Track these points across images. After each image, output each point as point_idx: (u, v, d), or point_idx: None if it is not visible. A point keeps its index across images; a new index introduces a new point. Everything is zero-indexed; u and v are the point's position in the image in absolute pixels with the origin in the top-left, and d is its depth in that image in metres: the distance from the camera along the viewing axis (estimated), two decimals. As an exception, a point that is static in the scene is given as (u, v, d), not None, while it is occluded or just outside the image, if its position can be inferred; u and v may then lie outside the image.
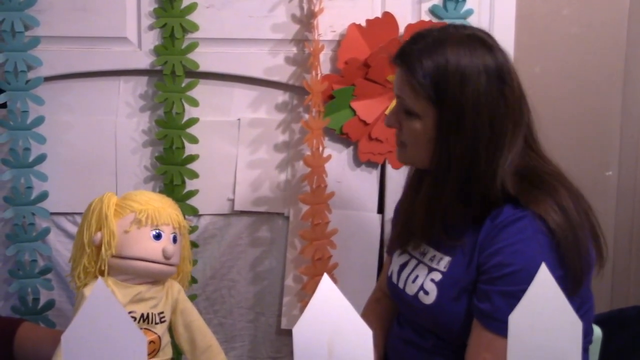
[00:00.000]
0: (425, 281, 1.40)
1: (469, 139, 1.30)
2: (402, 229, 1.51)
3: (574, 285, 1.28)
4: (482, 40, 1.34)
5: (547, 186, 1.31)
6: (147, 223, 1.40)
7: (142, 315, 1.41)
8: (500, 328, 1.24)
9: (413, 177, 1.52)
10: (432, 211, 1.36)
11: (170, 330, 1.50)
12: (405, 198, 1.54)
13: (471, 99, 1.28)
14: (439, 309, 1.37)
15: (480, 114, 1.29)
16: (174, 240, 1.44)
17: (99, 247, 1.41)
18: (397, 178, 2.05)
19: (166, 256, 1.41)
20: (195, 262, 2.04)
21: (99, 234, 1.41)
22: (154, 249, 1.40)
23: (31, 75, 1.95)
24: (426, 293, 1.39)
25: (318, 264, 1.99)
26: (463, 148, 1.30)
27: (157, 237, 1.41)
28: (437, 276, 1.38)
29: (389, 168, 2.06)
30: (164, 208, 1.44)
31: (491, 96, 1.29)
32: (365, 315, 1.64)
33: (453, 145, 1.30)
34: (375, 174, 2.08)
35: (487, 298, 1.28)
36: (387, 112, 1.99)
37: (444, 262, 1.38)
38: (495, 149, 1.30)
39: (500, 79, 1.31)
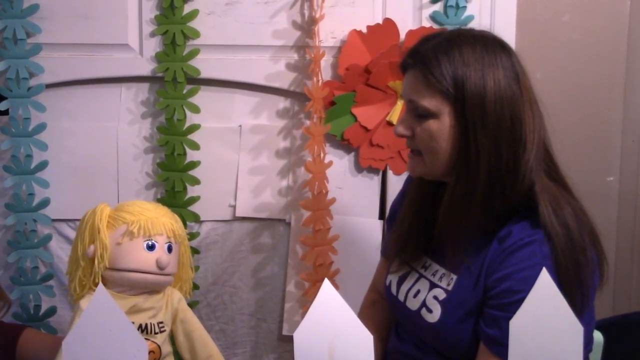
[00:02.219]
0: (427, 298, 1.38)
1: (493, 130, 1.27)
2: (402, 237, 1.47)
3: (571, 306, 1.26)
4: (494, 39, 1.33)
5: (556, 203, 1.28)
6: (139, 234, 1.38)
7: (141, 325, 1.40)
8: None
9: (417, 187, 1.47)
10: (462, 214, 1.31)
11: (172, 338, 1.50)
12: (406, 203, 1.50)
13: (493, 89, 1.26)
14: (443, 328, 1.35)
15: (502, 105, 1.26)
16: (169, 249, 1.42)
17: (92, 260, 1.39)
18: (399, 184, 2.04)
19: (160, 267, 1.39)
20: (197, 269, 2.04)
21: (92, 247, 1.39)
22: (148, 259, 1.39)
23: (33, 82, 1.96)
24: (429, 311, 1.37)
25: (319, 270, 1.99)
26: (488, 141, 1.27)
27: (151, 247, 1.39)
28: (441, 294, 1.36)
29: (390, 174, 2.06)
30: (158, 218, 1.42)
31: (510, 88, 1.28)
32: (362, 319, 1.62)
33: (481, 138, 1.27)
34: (376, 180, 2.08)
35: (495, 324, 1.26)
36: (389, 118, 1.99)
37: (448, 279, 1.35)
38: (517, 147, 1.27)
39: (516, 74, 1.30)
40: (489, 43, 1.31)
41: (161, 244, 1.41)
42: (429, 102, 1.30)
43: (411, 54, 1.35)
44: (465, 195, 1.30)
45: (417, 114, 1.33)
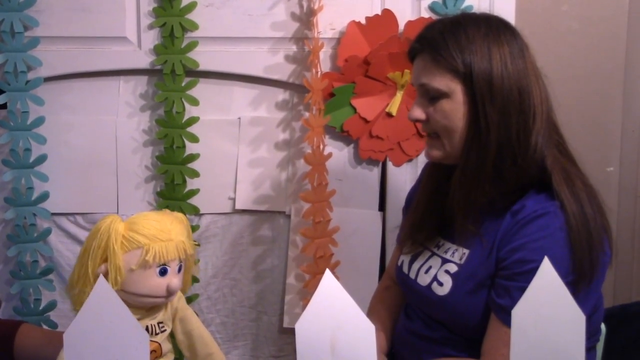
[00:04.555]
0: (439, 272, 1.40)
1: (501, 104, 1.30)
2: (416, 221, 1.49)
3: (581, 277, 1.26)
4: (496, 18, 1.37)
5: (567, 175, 1.31)
6: (154, 262, 1.34)
7: None
8: None
9: (431, 172, 1.50)
10: (472, 186, 1.33)
11: (172, 335, 1.49)
12: (421, 189, 1.52)
13: (499, 64, 1.30)
14: (452, 301, 1.36)
15: (509, 78, 1.30)
16: (179, 269, 1.39)
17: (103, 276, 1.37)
18: (398, 175, 2.05)
19: (171, 292, 1.36)
20: (196, 262, 2.04)
21: (103, 267, 1.37)
22: (159, 285, 1.35)
23: (31, 75, 1.95)
24: (440, 284, 1.39)
25: (320, 262, 1.99)
26: (497, 114, 1.30)
27: (163, 272, 1.36)
28: (453, 268, 1.38)
29: (389, 165, 2.05)
30: (172, 240, 1.37)
31: (516, 63, 1.31)
32: (374, 302, 1.66)
33: (490, 112, 1.30)
34: (376, 172, 2.07)
35: (507, 294, 1.28)
36: (388, 109, 1.99)
37: (460, 254, 1.38)
38: (527, 118, 1.30)
39: (520, 49, 1.33)
40: (492, 22, 1.35)
41: (173, 268, 1.37)
42: (440, 83, 1.33)
43: (418, 39, 1.39)
44: (476, 166, 1.32)
45: (430, 97, 1.36)
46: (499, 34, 1.32)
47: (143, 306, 1.39)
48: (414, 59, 1.40)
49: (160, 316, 1.42)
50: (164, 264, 1.36)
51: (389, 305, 1.62)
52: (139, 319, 1.38)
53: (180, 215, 1.45)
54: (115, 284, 1.34)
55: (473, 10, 1.97)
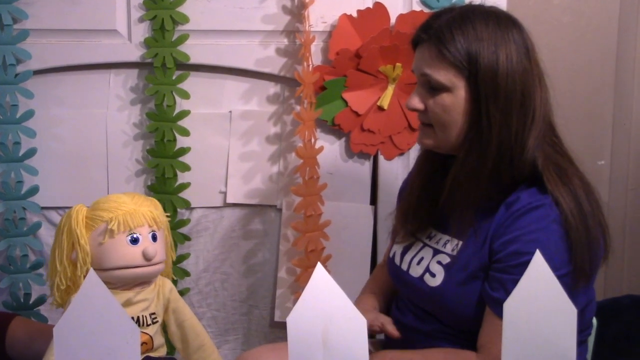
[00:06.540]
0: (431, 263, 1.40)
1: (504, 104, 1.29)
2: (409, 209, 1.49)
3: (580, 275, 1.27)
4: (505, 14, 1.36)
5: (562, 173, 1.31)
6: (119, 230, 1.36)
7: (132, 319, 1.39)
8: None
9: (425, 160, 1.50)
10: (470, 185, 1.33)
11: (165, 329, 1.49)
12: (413, 179, 1.52)
13: (505, 64, 1.29)
14: (444, 292, 1.37)
15: (514, 79, 1.29)
16: (154, 238, 1.39)
17: (76, 265, 1.37)
18: (390, 169, 2.05)
19: (147, 258, 1.36)
20: (187, 256, 2.04)
21: (74, 253, 1.37)
22: (134, 253, 1.36)
23: (20, 68, 1.94)
24: (432, 275, 1.39)
25: (311, 256, 1.99)
26: (500, 114, 1.29)
27: (134, 241, 1.37)
28: (445, 259, 1.38)
29: (381, 159, 2.05)
30: (136, 209, 1.39)
31: (521, 63, 1.31)
32: (368, 280, 1.68)
33: (493, 111, 1.29)
34: (367, 165, 2.07)
35: (501, 286, 1.28)
36: (379, 103, 1.98)
37: (453, 245, 1.38)
38: (525, 119, 1.30)
39: (526, 49, 1.33)
40: (501, 18, 1.34)
41: (145, 235, 1.38)
42: (443, 76, 1.33)
43: (424, 28, 1.37)
44: (476, 166, 1.32)
45: (430, 88, 1.35)
46: (507, 31, 1.31)
47: (128, 282, 1.39)
48: (416, 46, 1.39)
49: (152, 307, 1.42)
50: (133, 232, 1.36)
51: (380, 279, 1.64)
52: (129, 305, 1.38)
53: (148, 197, 1.46)
54: (85, 264, 1.35)
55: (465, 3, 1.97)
